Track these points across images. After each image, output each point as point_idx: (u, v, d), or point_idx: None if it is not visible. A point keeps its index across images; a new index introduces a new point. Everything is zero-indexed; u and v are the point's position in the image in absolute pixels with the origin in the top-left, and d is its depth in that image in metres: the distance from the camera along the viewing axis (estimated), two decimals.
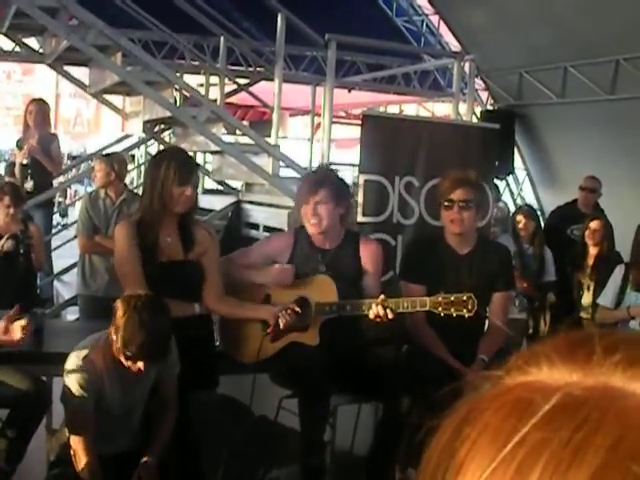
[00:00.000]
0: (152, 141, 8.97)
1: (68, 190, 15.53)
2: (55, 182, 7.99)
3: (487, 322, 4.41)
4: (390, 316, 3.79)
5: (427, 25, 12.66)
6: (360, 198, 5.34)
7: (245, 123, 8.54)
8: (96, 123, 21.14)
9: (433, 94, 12.17)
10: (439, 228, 4.50)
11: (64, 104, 20.44)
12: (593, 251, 6.09)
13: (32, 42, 8.29)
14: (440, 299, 3.86)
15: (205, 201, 7.33)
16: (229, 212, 6.84)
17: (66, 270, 7.50)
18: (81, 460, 3.34)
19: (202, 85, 8.19)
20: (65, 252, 8.18)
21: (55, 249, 8.02)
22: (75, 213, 9.95)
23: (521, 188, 12.17)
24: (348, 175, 9.13)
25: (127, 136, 9.57)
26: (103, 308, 4.74)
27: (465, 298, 3.83)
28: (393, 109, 13.87)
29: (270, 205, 6.26)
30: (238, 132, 7.10)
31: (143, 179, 4.30)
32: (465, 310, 3.82)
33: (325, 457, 4.11)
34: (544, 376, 0.48)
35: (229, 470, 4.06)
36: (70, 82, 8.61)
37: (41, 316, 4.50)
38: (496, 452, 0.45)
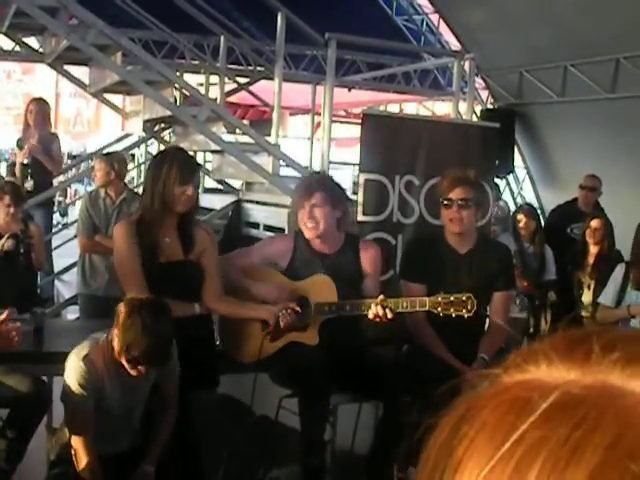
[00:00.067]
0: (152, 140, 8.97)
1: (68, 189, 15.53)
2: (55, 181, 7.99)
3: (488, 321, 4.41)
4: (389, 316, 3.79)
5: (427, 24, 12.66)
6: (360, 197, 5.34)
7: (245, 122, 8.55)
8: (96, 122, 21.14)
9: (433, 93, 12.17)
10: (439, 227, 4.50)
11: (64, 103, 20.43)
12: (594, 250, 6.08)
13: (32, 41, 8.29)
14: (439, 299, 3.86)
15: (205, 200, 7.32)
16: (229, 211, 6.84)
17: (66, 269, 7.51)
18: (81, 459, 3.34)
19: (202, 84, 8.19)
20: (65, 251, 8.19)
21: (55, 248, 8.02)
22: (75, 212, 9.95)
23: (521, 187, 12.17)
24: (348, 174, 9.14)
25: (127, 135, 9.57)
26: (103, 307, 4.76)
27: (464, 298, 3.83)
28: (393, 108, 13.87)
29: (270, 204, 6.26)
30: (238, 131, 7.10)
31: (144, 178, 4.30)
32: (464, 310, 3.82)
33: (325, 456, 4.10)
34: (542, 374, 0.48)
35: (229, 469, 4.05)
36: (70, 81, 8.61)
37: (41, 315, 4.51)
38: (494, 450, 0.45)
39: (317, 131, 8.28)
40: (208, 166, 8.46)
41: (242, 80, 9.00)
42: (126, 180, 6.79)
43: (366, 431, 4.42)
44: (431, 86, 12.36)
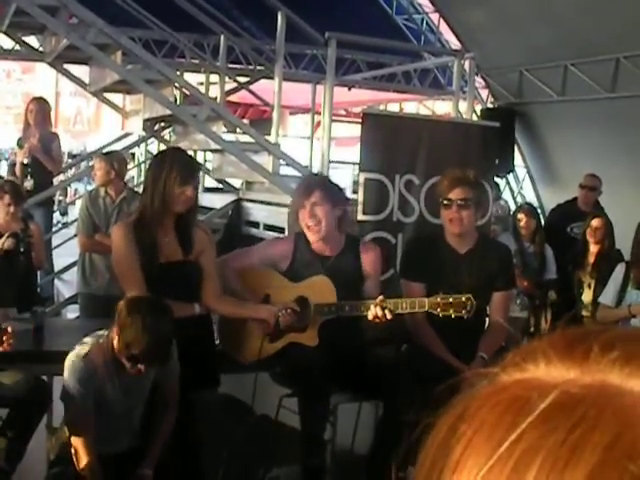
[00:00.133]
0: (152, 139, 8.97)
1: (68, 188, 15.52)
2: (55, 180, 7.99)
3: (487, 320, 4.41)
4: (388, 317, 3.79)
5: (427, 23, 12.66)
6: (360, 196, 5.34)
7: (245, 121, 8.55)
8: (96, 121, 21.14)
9: (433, 92, 12.17)
10: (439, 226, 4.50)
11: (64, 102, 20.43)
12: (594, 249, 6.08)
13: (32, 40, 8.29)
14: (439, 300, 3.85)
15: (205, 199, 7.32)
16: (229, 210, 6.84)
17: (66, 268, 7.51)
18: (81, 459, 3.34)
19: (202, 83, 8.19)
20: (65, 250, 8.18)
21: (55, 247, 8.02)
22: (75, 211, 9.94)
23: (521, 186, 12.17)
24: (348, 173, 9.14)
25: (127, 134, 9.56)
26: (103, 306, 4.76)
27: (464, 299, 3.83)
28: (393, 107, 13.87)
29: (270, 203, 6.26)
30: (238, 130, 7.10)
31: (144, 178, 4.30)
32: (464, 311, 3.82)
33: (325, 456, 4.10)
34: (541, 373, 0.47)
35: (229, 469, 4.05)
36: (70, 80, 8.60)
37: (41, 314, 4.51)
38: (492, 450, 0.44)
39: (317, 130, 8.28)
40: (208, 165, 8.47)
41: (242, 79, 9.01)
42: (126, 179, 6.79)
43: (366, 431, 4.42)
44: (431, 85, 12.37)
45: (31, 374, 3.97)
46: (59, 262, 7.70)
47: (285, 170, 6.57)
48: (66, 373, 3.38)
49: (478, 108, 10.88)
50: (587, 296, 6.01)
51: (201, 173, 7.90)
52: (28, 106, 7.62)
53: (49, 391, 4.01)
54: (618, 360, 0.46)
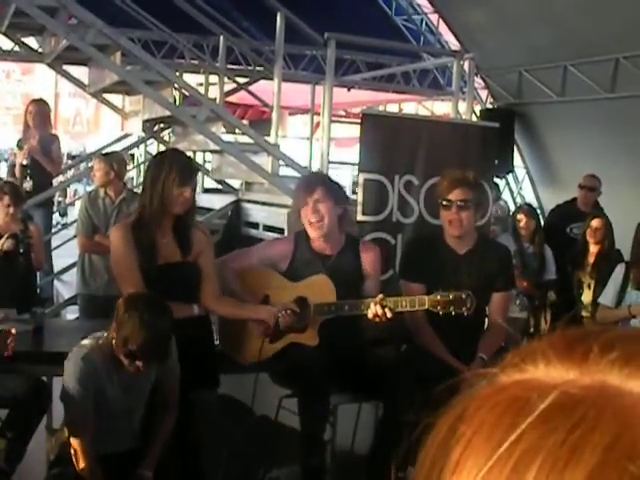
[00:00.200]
0: (152, 140, 8.97)
1: (68, 189, 15.52)
2: (55, 181, 7.99)
3: (487, 321, 4.40)
4: (389, 315, 3.79)
5: (426, 24, 12.66)
6: (360, 197, 5.34)
7: (245, 122, 8.53)
8: (95, 122, 21.15)
9: (433, 93, 12.17)
10: (439, 227, 4.50)
11: (63, 103, 20.43)
12: (594, 249, 6.08)
13: (31, 41, 8.28)
14: (439, 297, 3.85)
15: (205, 200, 7.32)
16: (229, 211, 6.84)
17: (66, 269, 7.51)
18: (81, 459, 3.34)
19: (201, 84, 8.19)
20: (65, 251, 8.18)
21: (55, 248, 8.02)
22: (75, 212, 9.94)
23: (521, 187, 12.17)
24: (347, 174, 9.13)
25: (127, 135, 9.56)
26: (103, 307, 4.77)
27: (464, 296, 3.83)
28: (392, 108, 13.87)
29: (270, 204, 6.26)
30: (238, 131, 7.09)
31: (143, 179, 4.30)
32: (464, 308, 3.82)
33: (325, 456, 4.10)
34: (541, 374, 0.47)
35: (229, 470, 4.05)
36: (69, 81, 8.60)
37: (41, 315, 4.51)
38: (492, 451, 0.44)
39: (316, 131, 8.28)
40: (207, 166, 8.47)
41: (241, 80, 9.00)
42: (125, 180, 6.79)
43: (366, 431, 4.42)
44: (430, 86, 12.36)
45: (31, 375, 3.97)
46: (58, 263, 7.70)
47: (284, 171, 6.57)
48: (65, 373, 3.38)
49: (477, 109, 10.88)
50: (587, 297, 6.01)
51: (200, 174, 7.92)
52: (27, 108, 7.62)
53: (49, 392, 4.02)
54: (618, 361, 0.46)
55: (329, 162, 5.84)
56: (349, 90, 10.97)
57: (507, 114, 10.48)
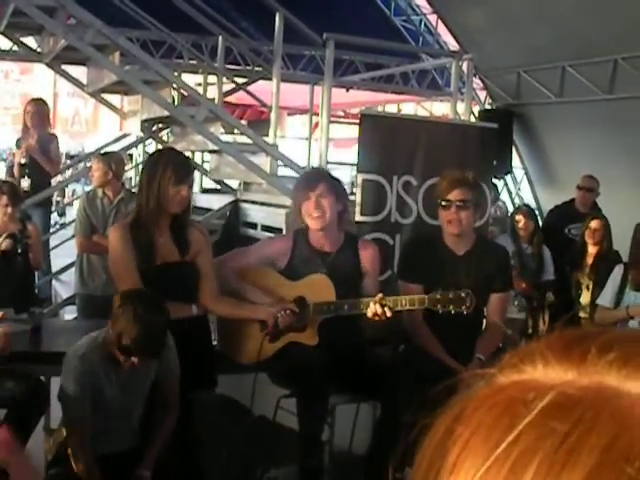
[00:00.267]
0: (150, 140, 8.97)
1: (66, 189, 15.50)
2: (53, 181, 7.98)
3: (485, 321, 4.40)
4: (388, 314, 3.79)
5: (425, 24, 12.67)
6: (358, 197, 5.34)
7: (243, 122, 8.53)
8: (94, 122, 21.13)
9: (431, 93, 12.18)
10: (437, 227, 4.50)
11: (62, 103, 20.42)
12: (592, 250, 6.09)
13: (30, 41, 8.27)
14: (438, 296, 3.86)
15: (203, 200, 7.33)
16: (227, 211, 6.84)
17: (64, 269, 7.50)
18: (79, 459, 3.34)
19: (200, 84, 8.18)
20: (63, 251, 8.18)
21: (53, 248, 8.02)
22: (73, 212, 9.93)
23: (519, 187, 12.17)
24: (346, 174, 9.14)
25: (125, 135, 9.56)
26: (101, 307, 4.76)
27: (463, 295, 3.83)
28: (391, 108, 13.88)
29: (268, 204, 6.26)
30: (236, 131, 7.10)
31: (139, 179, 4.30)
32: (464, 307, 3.82)
33: (323, 457, 4.10)
34: (538, 375, 0.47)
35: (227, 470, 4.05)
36: (68, 81, 8.59)
37: (39, 315, 4.50)
38: (489, 451, 0.44)
39: (315, 131, 8.28)
40: (206, 166, 8.47)
41: (240, 80, 9.00)
42: (124, 180, 6.79)
43: (364, 431, 4.42)
44: (429, 86, 12.36)
45: (29, 375, 3.96)
46: (57, 263, 7.69)
47: (283, 171, 6.57)
48: (63, 373, 3.39)
49: (476, 109, 10.88)
50: (585, 297, 6.01)
51: (199, 174, 7.92)
52: (26, 107, 7.61)
53: (47, 392, 4.01)
54: (615, 362, 0.46)
55: (327, 162, 5.84)
56: (348, 90, 10.98)
57: (505, 115, 10.48)
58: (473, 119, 9.04)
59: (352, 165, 6.99)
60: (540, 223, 7.03)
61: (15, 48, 8.62)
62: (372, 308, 3.80)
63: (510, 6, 9.26)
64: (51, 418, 4.05)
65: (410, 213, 5.44)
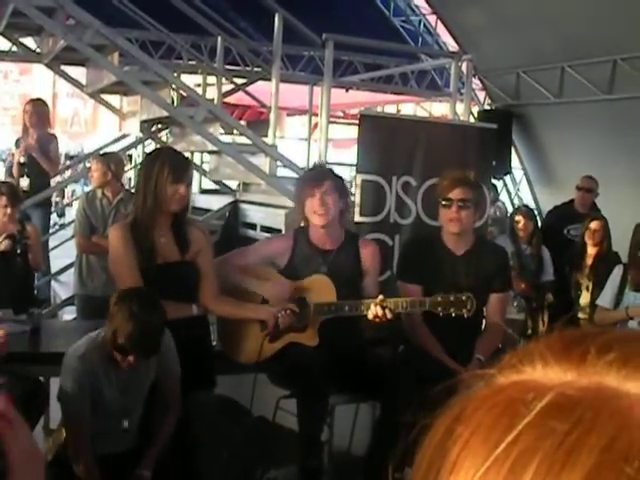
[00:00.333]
0: (149, 141, 8.96)
1: (65, 190, 15.50)
2: (53, 182, 7.97)
3: (484, 322, 4.40)
4: (389, 316, 3.80)
5: (424, 25, 12.67)
6: (357, 198, 5.34)
7: (242, 123, 8.53)
8: (93, 123, 21.11)
9: (430, 94, 12.17)
10: (436, 228, 4.50)
11: (61, 104, 20.39)
12: (592, 251, 6.08)
13: (29, 42, 8.27)
14: (439, 299, 3.86)
15: (202, 201, 7.32)
16: (226, 212, 6.84)
17: (63, 270, 7.50)
18: (78, 460, 3.34)
19: (199, 85, 8.18)
20: (62, 252, 8.17)
21: (52, 249, 8.01)
22: (72, 213, 9.91)
23: (518, 188, 12.16)
24: (345, 175, 9.13)
25: (124, 136, 9.54)
26: (100, 308, 4.74)
27: (464, 298, 3.84)
28: (390, 109, 13.87)
29: (267, 205, 6.26)
30: (235, 132, 7.10)
31: (137, 178, 4.29)
32: (464, 310, 3.83)
33: (323, 457, 4.10)
34: (538, 375, 0.47)
35: (227, 470, 4.05)
36: (67, 82, 8.59)
37: (38, 316, 4.50)
38: (489, 452, 0.44)
39: (314, 132, 8.28)
40: (205, 167, 8.46)
41: (239, 81, 8.99)
42: (123, 180, 6.79)
43: (363, 431, 4.42)
44: (428, 87, 12.36)
45: (28, 376, 3.96)
46: (56, 263, 7.69)
47: (282, 172, 6.57)
48: (62, 373, 3.38)
49: (475, 110, 10.88)
50: (584, 298, 6.01)
51: (198, 174, 7.92)
52: (25, 108, 7.61)
53: (46, 393, 4.01)
54: (615, 362, 0.46)
55: (327, 163, 5.84)
56: (347, 91, 10.97)
57: (505, 115, 10.48)
58: (472, 120, 9.03)
59: (351, 166, 6.99)
60: (539, 224, 7.03)
61: (14, 49, 8.61)
62: (373, 310, 3.80)
63: (509, 7, 9.26)
64: (50, 418, 4.05)
65: (409, 214, 5.44)
